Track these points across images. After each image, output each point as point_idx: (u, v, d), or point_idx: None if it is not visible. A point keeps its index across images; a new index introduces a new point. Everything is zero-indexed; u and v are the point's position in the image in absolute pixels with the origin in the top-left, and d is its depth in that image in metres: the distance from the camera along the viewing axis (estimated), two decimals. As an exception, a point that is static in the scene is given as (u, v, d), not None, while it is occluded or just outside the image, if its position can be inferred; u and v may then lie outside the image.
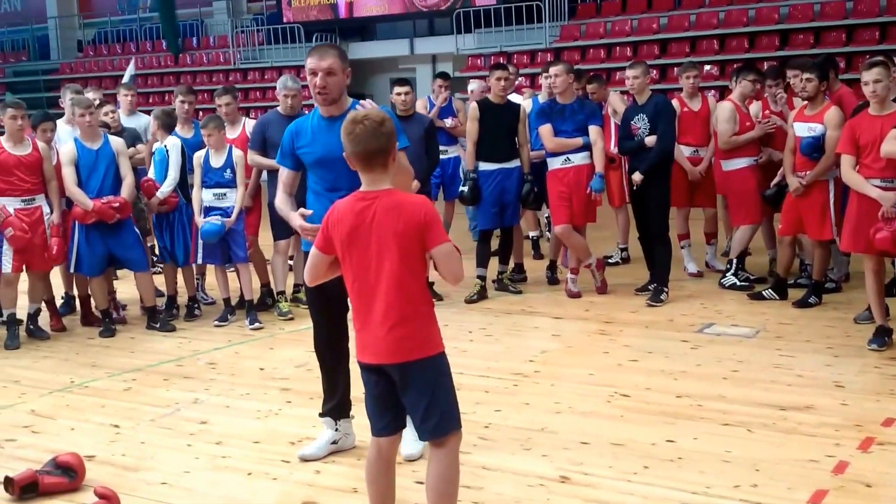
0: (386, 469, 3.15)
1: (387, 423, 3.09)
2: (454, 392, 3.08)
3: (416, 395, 2.98)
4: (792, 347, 5.67)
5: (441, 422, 2.99)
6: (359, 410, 4.25)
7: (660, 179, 6.95)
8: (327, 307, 4.01)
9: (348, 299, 3.88)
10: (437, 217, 3.01)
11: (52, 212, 6.42)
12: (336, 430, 4.17)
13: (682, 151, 7.48)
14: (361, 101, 3.92)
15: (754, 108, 7.33)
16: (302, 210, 3.87)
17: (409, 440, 3.88)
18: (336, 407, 4.17)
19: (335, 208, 3.07)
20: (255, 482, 3.93)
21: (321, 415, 4.21)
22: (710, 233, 7.96)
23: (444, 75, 9.01)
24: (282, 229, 6.89)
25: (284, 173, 4.10)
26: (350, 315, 3.70)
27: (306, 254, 3.98)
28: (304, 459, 4.11)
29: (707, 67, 14.51)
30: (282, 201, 4.06)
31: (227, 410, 4.89)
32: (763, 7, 15.90)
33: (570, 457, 4.05)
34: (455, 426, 3.03)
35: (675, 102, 7.58)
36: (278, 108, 6.95)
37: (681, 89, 7.84)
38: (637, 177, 6.95)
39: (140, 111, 8.41)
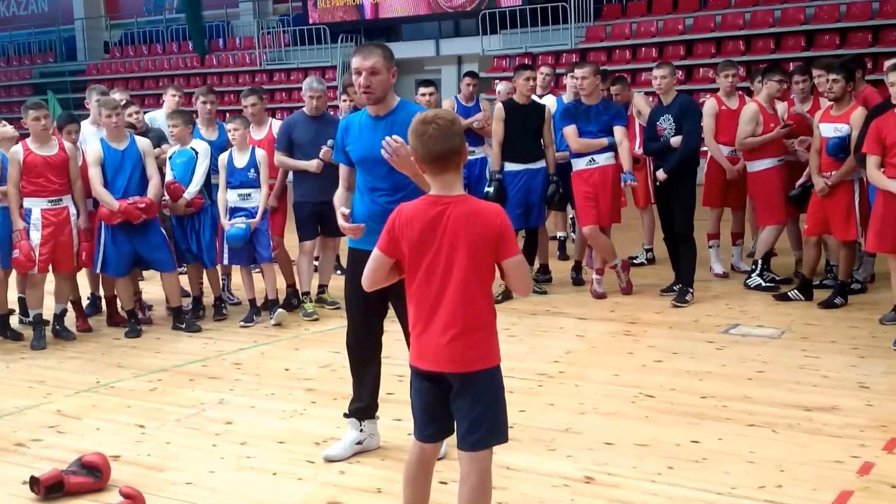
0: (425, 473, 3.12)
1: (435, 430, 3.05)
2: (505, 405, 3.03)
3: (469, 405, 2.92)
4: (817, 348, 5.64)
5: (486, 435, 2.93)
6: (384, 411, 4.28)
7: (685, 180, 6.92)
8: (364, 306, 3.98)
9: (388, 302, 3.89)
10: (511, 227, 2.95)
11: (78, 214, 6.48)
12: (361, 430, 4.16)
13: (721, 150, 7.44)
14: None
15: (780, 108, 7.29)
16: (343, 209, 3.89)
17: None
18: (363, 408, 4.17)
19: (401, 211, 2.96)
20: (280, 482, 3.94)
21: (346, 415, 4.20)
22: (736, 233, 7.92)
23: (472, 74, 8.97)
24: (307, 230, 6.93)
25: (341, 168, 4.17)
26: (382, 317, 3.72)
27: (352, 250, 4.02)
28: (329, 460, 4.12)
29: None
30: (338, 196, 4.12)
31: (252, 411, 4.92)
32: (789, 8, 15.79)
33: (594, 457, 4.05)
34: (500, 439, 2.98)
35: (713, 101, 7.55)
36: (304, 109, 6.98)
37: (706, 90, 7.81)
38: (661, 174, 6.93)
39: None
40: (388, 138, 3.55)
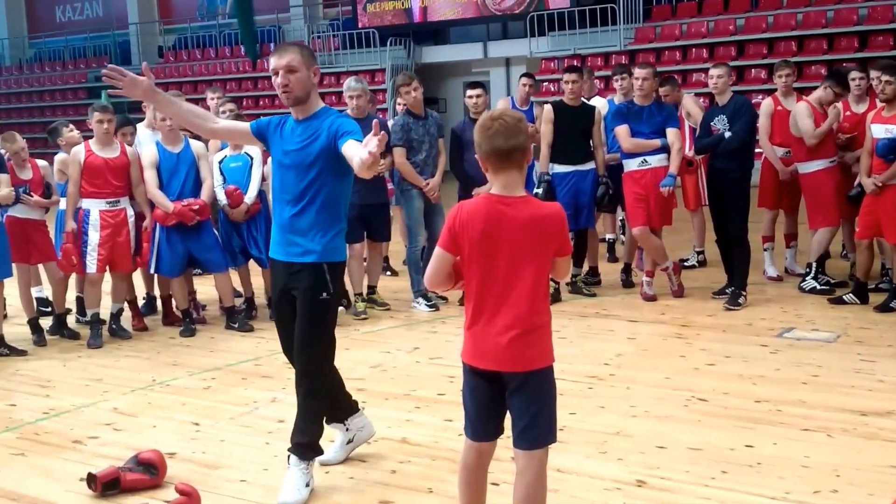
0: (483, 474, 3.12)
1: (490, 429, 3.05)
2: (556, 405, 3.04)
3: (526, 403, 2.92)
4: (873, 352, 5.54)
5: (542, 433, 2.95)
6: (436, 411, 4.28)
7: (739, 182, 6.83)
8: (286, 320, 3.91)
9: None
10: (567, 225, 2.98)
11: (134, 215, 6.61)
12: (347, 429, 4.10)
13: (776, 152, 7.33)
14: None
15: (836, 110, 7.12)
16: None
17: (290, 489, 3.74)
18: (334, 413, 4.07)
19: (462, 208, 2.92)
20: (332, 480, 3.98)
21: (326, 422, 4.06)
22: (789, 235, 7.80)
23: (528, 75, 8.86)
24: (354, 233, 6.96)
25: (239, 124, 4.16)
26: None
27: (272, 261, 3.89)
28: (325, 464, 4.05)
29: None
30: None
31: (304, 409, 4.96)
32: (842, 8, 15.54)
33: (646, 461, 4.02)
34: (553, 439, 2.99)
35: (769, 101, 7.44)
36: (347, 111, 7.00)
37: (758, 91, 7.71)
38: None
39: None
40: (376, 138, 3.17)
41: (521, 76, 8.77)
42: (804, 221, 7.41)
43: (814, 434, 4.27)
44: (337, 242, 3.77)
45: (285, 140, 3.77)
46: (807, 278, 7.16)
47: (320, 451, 3.88)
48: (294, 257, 3.75)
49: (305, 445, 3.82)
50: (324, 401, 3.88)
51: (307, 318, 3.77)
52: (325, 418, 3.99)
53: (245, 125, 4.02)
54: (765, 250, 7.67)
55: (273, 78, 3.71)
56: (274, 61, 3.70)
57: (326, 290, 3.74)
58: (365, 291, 7.21)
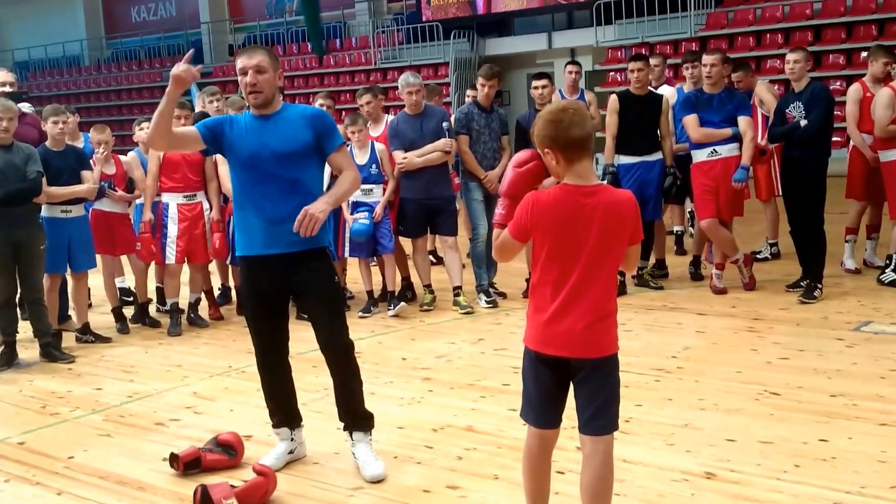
0: (547, 462, 3.13)
1: (553, 416, 3.06)
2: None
3: (596, 390, 2.93)
4: (956, 347, 5.36)
5: (611, 419, 2.95)
6: (500, 401, 4.30)
7: (815, 170, 6.64)
8: (260, 317, 4.00)
9: (286, 307, 3.98)
10: (639, 213, 2.99)
11: (211, 209, 6.81)
12: (292, 439, 4.14)
13: (865, 140, 7.13)
14: None
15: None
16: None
17: (371, 460, 3.93)
18: (285, 419, 4.14)
19: (538, 199, 2.90)
20: (401, 466, 4.02)
21: (274, 426, 4.16)
22: (871, 226, 7.56)
23: (574, 62, 8.71)
24: (417, 227, 6.98)
25: (188, 129, 3.91)
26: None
27: (242, 258, 3.93)
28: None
29: (864, 54, 13.82)
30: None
31: (372, 397, 4.96)
32: (925, -11, 15.01)
33: (715, 453, 3.97)
34: (617, 426, 2.99)
35: (857, 87, 7.23)
36: (405, 109, 7.03)
37: (836, 77, 7.48)
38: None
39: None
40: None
41: (567, 64, 8.67)
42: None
43: (892, 429, 4.15)
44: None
45: (254, 136, 3.76)
46: (886, 270, 6.95)
47: (373, 420, 4.08)
48: (301, 245, 3.77)
49: (367, 417, 4.07)
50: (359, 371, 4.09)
51: (333, 300, 3.99)
52: (277, 423, 4.15)
53: (193, 130, 3.88)
54: (847, 241, 7.46)
55: (240, 78, 3.75)
56: (243, 61, 3.74)
57: (335, 272, 3.96)
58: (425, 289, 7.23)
